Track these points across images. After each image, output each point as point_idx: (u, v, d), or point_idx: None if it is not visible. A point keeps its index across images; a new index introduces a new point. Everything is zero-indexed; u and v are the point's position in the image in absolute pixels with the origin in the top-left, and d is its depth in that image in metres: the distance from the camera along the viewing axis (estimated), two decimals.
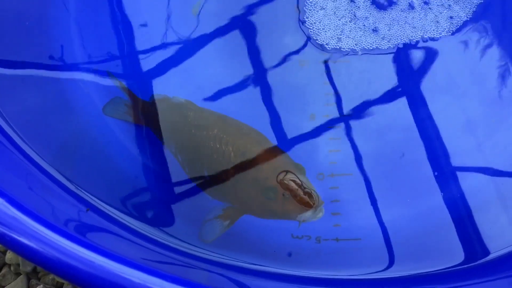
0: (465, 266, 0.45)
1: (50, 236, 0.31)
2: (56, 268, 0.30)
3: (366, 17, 0.52)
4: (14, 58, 0.50)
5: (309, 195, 0.43)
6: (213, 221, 0.45)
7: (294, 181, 0.44)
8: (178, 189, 0.48)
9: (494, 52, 0.53)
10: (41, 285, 0.47)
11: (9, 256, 0.48)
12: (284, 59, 0.52)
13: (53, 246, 0.30)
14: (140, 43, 0.53)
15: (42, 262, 0.31)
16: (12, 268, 0.48)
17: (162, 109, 0.49)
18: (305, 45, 0.53)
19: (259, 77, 0.52)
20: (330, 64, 0.52)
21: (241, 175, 0.45)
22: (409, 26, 0.52)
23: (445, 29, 0.52)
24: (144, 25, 0.54)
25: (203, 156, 0.47)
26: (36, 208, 0.32)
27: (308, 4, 0.54)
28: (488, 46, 0.53)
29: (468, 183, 0.49)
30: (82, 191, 0.44)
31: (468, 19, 0.54)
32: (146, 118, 0.50)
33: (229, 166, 0.46)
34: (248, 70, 0.52)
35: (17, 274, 0.48)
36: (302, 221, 0.44)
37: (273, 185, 0.44)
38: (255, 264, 0.44)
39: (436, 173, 0.49)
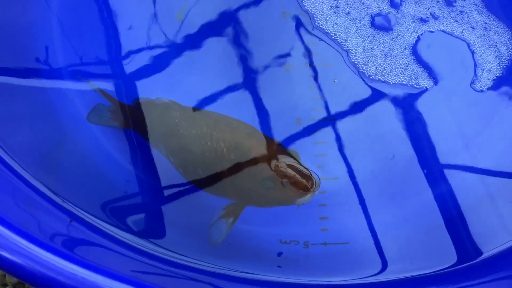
0: (459, 267, 0.45)
1: (33, 250, 0.30)
2: (40, 283, 0.30)
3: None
4: None
5: (307, 177, 0.44)
6: (218, 222, 0.46)
7: (290, 166, 0.44)
8: (168, 196, 0.48)
9: (480, 51, 0.53)
10: None
11: None
12: (271, 64, 0.52)
13: (36, 260, 0.30)
14: (125, 48, 0.53)
15: (25, 277, 0.30)
16: None
17: (147, 112, 0.49)
18: (292, 49, 0.53)
19: (245, 81, 0.51)
20: (316, 67, 0.52)
21: (236, 169, 0.46)
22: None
23: None
24: (129, 29, 0.53)
25: (195, 155, 0.46)
26: (19, 222, 0.32)
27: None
28: (475, 46, 0.53)
29: (458, 182, 0.49)
30: (68, 203, 0.44)
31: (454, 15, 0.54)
32: (132, 122, 0.49)
33: (223, 162, 0.46)
34: (234, 74, 0.52)
35: (4, 285, 0.47)
36: (301, 204, 0.45)
37: (270, 174, 0.44)
38: (245, 272, 0.44)
39: (425, 174, 0.49)
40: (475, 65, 0.53)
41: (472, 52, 0.53)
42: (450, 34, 0.53)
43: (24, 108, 0.49)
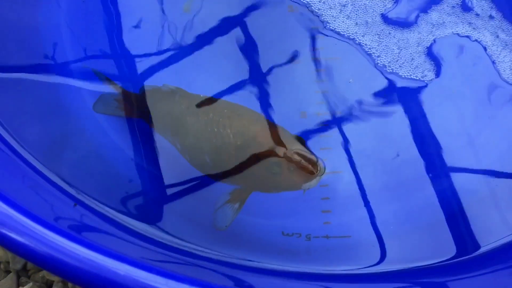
0: (458, 259, 0.45)
1: (41, 232, 0.31)
2: (48, 264, 0.30)
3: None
4: (3, 61, 0.50)
5: (313, 163, 0.45)
6: (223, 207, 0.46)
7: (296, 152, 0.45)
8: (170, 190, 0.48)
9: (496, 52, 0.53)
10: (31, 283, 0.46)
11: None
12: (277, 57, 0.52)
13: (44, 242, 0.30)
14: (132, 44, 0.53)
15: (33, 258, 0.31)
16: (1, 266, 0.48)
17: (154, 99, 0.49)
18: (298, 43, 0.53)
19: (251, 74, 0.52)
20: (322, 61, 0.52)
21: (243, 155, 0.46)
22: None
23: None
24: (137, 24, 0.53)
25: (202, 141, 0.47)
26: (28, 205, 0.32)
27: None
28: (479, 46, 0.54)
29: (460, 180, 0.49)
30: (79, 191, 0.44)
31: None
32: (138, 110, 0.50)
33: (230, 148, 0.46)
34: (240, 67, 0.52)
35: (7, 272, 0.48)
36: (307, 189, 0.46)
37: (277, 160, 0.45)
38: (249, 260, 0.44)
39: (428, 170, 0.49)
40: (491, 65, 0.53)
41: (487, 52, 0.53)
42: (465, 36, 0.54)
43: (34, 101, 0.49)
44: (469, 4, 0.55)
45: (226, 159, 0.46)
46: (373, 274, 0.44)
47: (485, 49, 0.54)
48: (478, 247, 0.46)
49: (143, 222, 0.45)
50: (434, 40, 0.54)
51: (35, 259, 0.30)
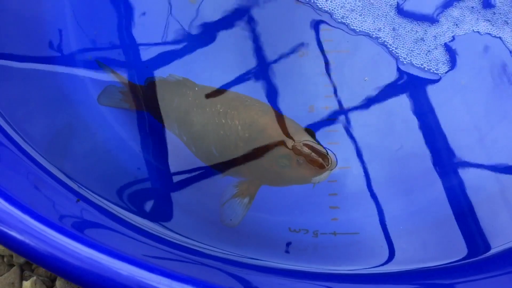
0: (468, 261, 0.45)
1: (42, 230, 0.30)
2: (49, 263, 0.30)
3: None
4: (6, 51, 0.49)
5: (323, 156, 0.44)
6: (231, 201, 0.45)
7: (306, 144, 0.44)
8: (178, 181, 0.47)
9: (496, 44, 0.52)
10: (34, 277, 0.46)
11: (2, 247, 0.47)
12: (285, 50, 0.51)
13: (45, 241, 0.30)
14: (138, 35, 0.52)
15: (34, 257, 0.30)
16: (5, 259, 0.47)
17: (159, 90, 0.49)
18: (306, 35, 0.52)
19: (259, 67, 0.51)
20: (331, 54, 0.51)
21: (251, 147, 0.45)
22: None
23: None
24: (143, 16, 0.53)
25: (209, 133, 0.46)
26: (30, 202, 0.32)
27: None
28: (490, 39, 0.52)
29: (470, 177, 0.48)
30: (82, 187, 0.44)
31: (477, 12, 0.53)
32: (144, 102, 0.49)
33: (237, 140, 0.45)
34: (248, 60, 0.51)
35: (10, 265, 0.47)
36: (317, 182, 0.45)
37: (286, 152, 0.44)
38: (253, 258, 0.44)
39: (437, 167, 0.48)
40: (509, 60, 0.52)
41: (506, 46, 0.52)
42: (486, 33, 0.53)
43: (37, 92, 0.49)
44: (491, 1, 0.53)
45: (233, 151, 0.45)
46: (381, 275, 0.44)
47: (504, 44, 0.52)
48: (488, 248, 0.45)
49: (149, 219, 0.44)
50: (453, 37, 0.52)
51: (35, 258, 0.30)
